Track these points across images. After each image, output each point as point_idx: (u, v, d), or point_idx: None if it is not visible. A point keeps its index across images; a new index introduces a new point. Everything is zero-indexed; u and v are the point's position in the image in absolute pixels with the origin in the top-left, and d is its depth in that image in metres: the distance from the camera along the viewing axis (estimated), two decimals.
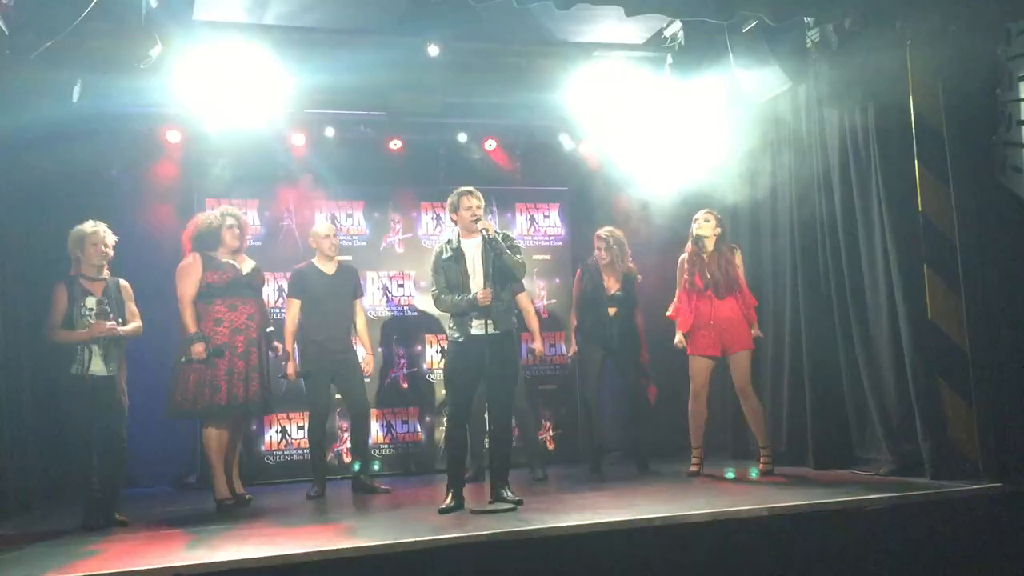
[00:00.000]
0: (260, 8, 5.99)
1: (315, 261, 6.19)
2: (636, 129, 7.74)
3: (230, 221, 5.59)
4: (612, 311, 6.43)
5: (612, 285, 6.46)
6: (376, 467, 6.92)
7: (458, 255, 5.09)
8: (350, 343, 6.20)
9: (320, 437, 6.09)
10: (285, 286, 6.95)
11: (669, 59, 6.66)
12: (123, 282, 5.33)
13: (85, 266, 5.13)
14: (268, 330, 5.75)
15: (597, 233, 6.64)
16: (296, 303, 6.08)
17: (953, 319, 5.05)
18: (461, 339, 5.00)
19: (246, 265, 5.68)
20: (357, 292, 6.33)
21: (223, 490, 5.44)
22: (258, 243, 7.06)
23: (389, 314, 7.46)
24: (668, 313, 6.22)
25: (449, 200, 5.21)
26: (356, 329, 6.27)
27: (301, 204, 7.40)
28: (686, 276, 6.07)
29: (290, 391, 6.68)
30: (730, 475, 5.80)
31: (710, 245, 5.99)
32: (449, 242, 5.18)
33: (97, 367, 5.00)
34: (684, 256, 6.14)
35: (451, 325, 5.09)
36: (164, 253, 6.92)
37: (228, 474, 5.60)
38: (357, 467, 6.08)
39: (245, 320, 5.50)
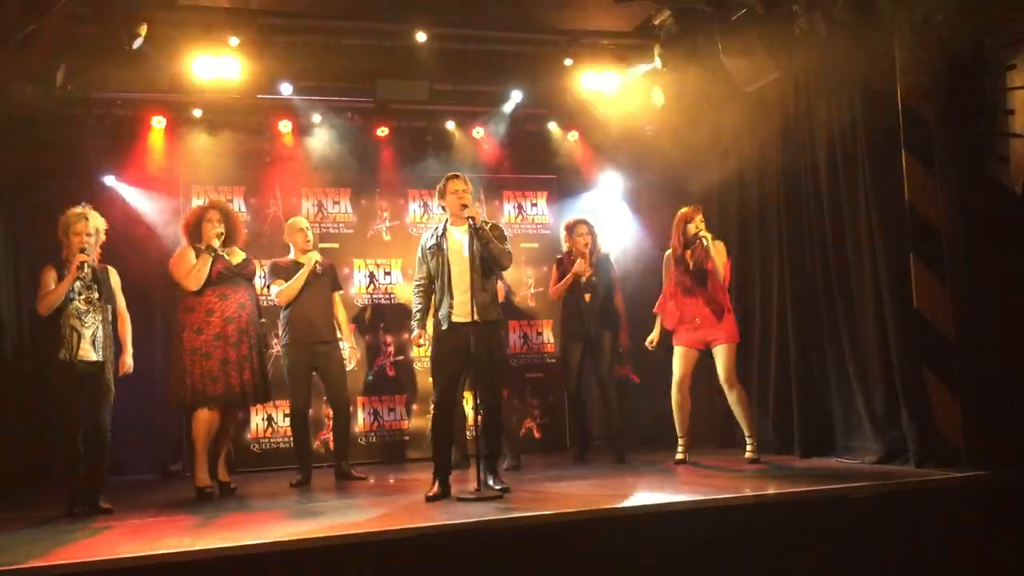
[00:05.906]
0: None
1: (293, 256, 6.16)
2: (625, 117, 7.75)
3: (209, 215, 5.59)
4: (587, 297, 6.42)
5: (585, 272, 6.44)
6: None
7: (441, 243, 5.05)
8: (332, 336, 6.17)
9: (303, 426, 6.07)
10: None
11: (658, 47, 6.65)
12: (113, 273, 5.27)
13: (70, 252, 5.08)
14: (260, 320, 5.72)
15: (570, 226, 6.60)
16: (282, 281, 6.04)
17: (939, 308, 5.07)
18: (446, 327, 4.97)
19: (236, 256, 5.68)
20: (336, 286, 6.31)
21: (204, 478, 5.43)
22: (244, 230, 7.00)
23: (376, 302, 7.44)
24: (654, 309, 6.22)
25: (437, 186, 5.18)
26: (338, 322, 6.25)
27: (287, 191, 7.36)
28: (671, 273, 6.07)
29: (276, 379, 6.64)
30: None
31: (700, 242, 5.91)
32: (435, 229, 5.14)
33: (86, 352, 4.96)
34: (669, 253, 6.13)
35: (436, 313, 5.06)
36: (150, 241, 6.89)
37: (214, 462, 5.59)
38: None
39: (236, 309, 5.51)
